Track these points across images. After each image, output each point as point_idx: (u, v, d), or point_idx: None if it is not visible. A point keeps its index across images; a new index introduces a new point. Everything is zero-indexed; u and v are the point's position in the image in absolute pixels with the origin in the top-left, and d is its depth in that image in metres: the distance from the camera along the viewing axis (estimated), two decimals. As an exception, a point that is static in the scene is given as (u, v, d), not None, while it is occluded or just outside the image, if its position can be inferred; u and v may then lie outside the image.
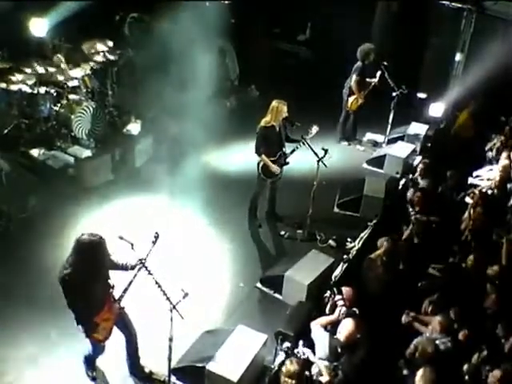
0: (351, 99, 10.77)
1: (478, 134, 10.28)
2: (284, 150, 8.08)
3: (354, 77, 10.56)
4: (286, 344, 5.40)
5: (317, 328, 5.67)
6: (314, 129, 7.95)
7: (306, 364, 5.25)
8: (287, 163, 8.15)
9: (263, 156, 7.94)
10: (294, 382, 4.82)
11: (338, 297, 5.85)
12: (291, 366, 4.86)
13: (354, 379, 5.19)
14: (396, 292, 6.22)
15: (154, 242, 5.14)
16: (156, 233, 5.18)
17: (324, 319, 5.82)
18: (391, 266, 6.53)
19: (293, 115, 8.04)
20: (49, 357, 5.93)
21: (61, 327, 6.08)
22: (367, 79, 10.70)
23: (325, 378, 5.22)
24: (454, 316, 5.58)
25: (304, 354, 5.36)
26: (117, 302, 5.32)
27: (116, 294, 5.34)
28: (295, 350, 5.47)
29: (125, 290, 5.26)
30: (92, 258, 5.01)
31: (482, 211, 7.33)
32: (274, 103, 7.85)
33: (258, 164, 8.06)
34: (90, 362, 5.75)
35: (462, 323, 5.53)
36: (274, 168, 8.01)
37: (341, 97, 10.95)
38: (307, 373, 5.19)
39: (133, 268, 5.20)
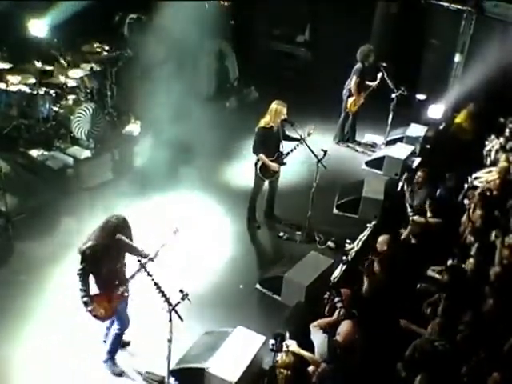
0: (350, 100, 10.78)
1: (477, 135, 10.29)
2: (281, 150, 8.09)
3: (354, 78, 10.56)
4: (272, 341, 5.41)
5: (316, 330, 5.67)
6: (311, 129, 7.95)
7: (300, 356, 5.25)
8: (285, 163, 8.16)
9: (261, 156, 7.95)
10: (289, 373, 4.81)
11: (337, 298, 5.85)
12: (287, 358, 4.87)
13: (353, 381, 5.19)
14: (395, 294, 6.20)
15: (174, 234, 5.49)
16: (176, 227, 5.51)
17: (323, 321, 5.81)
18: (390, 269, 6.50)
19: (292, 116, 8.04)
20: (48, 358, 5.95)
21: (61, 324, 6.15)
22: (367, 82, 10.71)
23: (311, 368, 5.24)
24: (454, 317, 5.59)
25: (288, 346, 5.33)
26: (124, 286, 5.50)
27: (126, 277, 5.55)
28: (283, 343, 5.45)
29: (131, 277, 5.46)
30: (113, 236, 5.29)
31: (481, 213, 7.33)
32: (274, 105, 7.86)
33: (256, 164, 8.07)
34: (112, 356, 5.85)
35: (460, 325, 5.53)
36: (273, 166, 8.02)
37: (340, 98, 10.96)
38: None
39: (145, 256, 5.36)
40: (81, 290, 5.38)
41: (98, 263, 5.36)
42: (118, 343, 5.83)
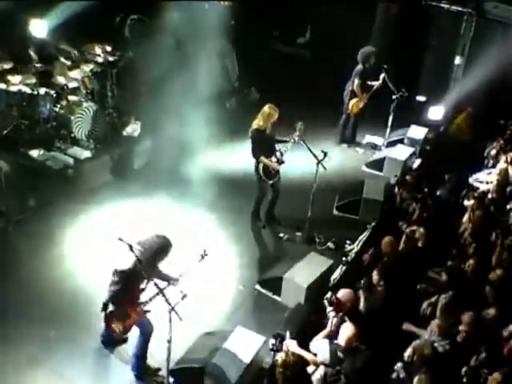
0: (352, 102, 10.79)
1: (477, 136, 10.30)
2: (278, 150, 8.12)
3: (355, 81, 10.58)
4: (272, 341, 5.41)
5: (315, 342, 5.64)
6: (300, 125, 7.95)
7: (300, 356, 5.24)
8: (283, 162, 8.17)
9: (262, 158, 7.96)
10: (288, 372, 4.80)
11: (328, 308, 5.78)
12: (286, 358, 4.86)
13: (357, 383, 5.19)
14: (395, 296, 6.20)
15: (202, 259, 5.55)
16: (204, 251, 5.58)
17: (320, 335, 5.78)
18: (389, 278, 6.46)
19: (292, 117, 8.06)
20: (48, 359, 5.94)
21: (61, 324, 6.14)
22: (368, 82, 10.72)
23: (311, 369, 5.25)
24: (454, 319, 5.59)
25: (288, 346, 5.32)
26: (143, 305, 5.51)
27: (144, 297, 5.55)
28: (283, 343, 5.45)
29: (152, 297, 5.46)
30: (155, 256, 5.40)
31: (481, 214, 7.33)
32: (267, 109, 7.92)
33: (257, 168, 8.08)
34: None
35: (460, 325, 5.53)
36: (275, 165, 8.05)
37: (341, 99, 10.96)
38: None
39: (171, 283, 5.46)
40: (111, 302, 5.42)
41: (136, 280, 5.39)
42: (145, 350, 5.79)
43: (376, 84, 10.63)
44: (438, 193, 8.56)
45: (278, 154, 8.09)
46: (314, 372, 5.25)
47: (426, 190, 8.15)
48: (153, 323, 5.88)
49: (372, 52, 10.58)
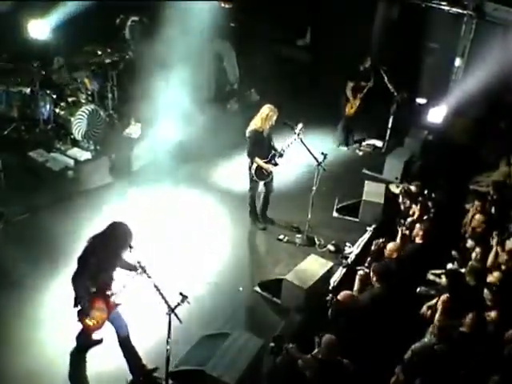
0: (348, 105, 10.83)
1: (477, 139, 10.30)
2: (273, 152, 8.13)
3: (349, 83, 10.65)
4: (272, 344, 5.40)
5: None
6: (300, 126, 7.93)
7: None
8: (277, 164, 8.17)
9: (256, 159, 7.98)
10: None
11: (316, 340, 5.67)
12: None
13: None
14: (395, 297, 6.20)
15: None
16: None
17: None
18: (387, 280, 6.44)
19: (292, 119, 8.06)
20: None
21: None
22: (362, 83, 10.75)
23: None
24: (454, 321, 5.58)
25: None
26: (113, 297, 5.40)
27: (115, 289, 5.44)
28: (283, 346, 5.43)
29: (122, 287, 5.37)
30: (114, 241, 5.29)
31: (481, 217, 7.33)
32: (266, 109, 7.91)
33: (250, 168, 8.10)
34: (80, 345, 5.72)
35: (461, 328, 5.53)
36: (268, 167, 8.07)
37: (340, 101, 10.99)
38: None
39: (135, 269, 5.26)
40: (80, 296, 5.25)
41: (93, 265, 5.24)
42: (132, 346, 5.71)
43: (368, 84, 10.69)
44: (437, 195, 8.56)
45: (272, 156, 8.09)
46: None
47: (426, 192, 8.16)
48: (152, 325, 5.89)
49: (366, 55, 10.60)
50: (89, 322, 5.34)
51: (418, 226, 7.32)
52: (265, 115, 7.88)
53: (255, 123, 7.95)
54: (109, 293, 5.40)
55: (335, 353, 5.22)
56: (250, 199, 8.49)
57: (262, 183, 8.32)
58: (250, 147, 8.00)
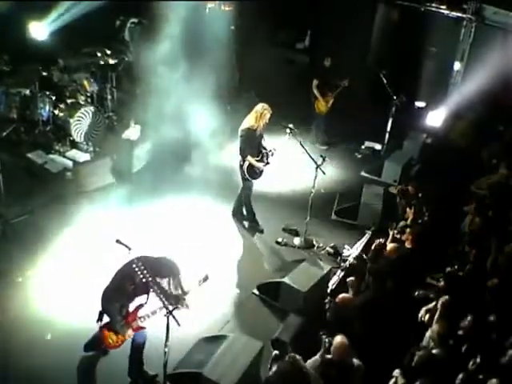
0: (317, 102, 10.93)
1: (476, 142, 10.30)
2: (265, 151, 8.14)
3: (314, 81, 10.78)
4: (276, 352, 5.40)
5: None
6: (290, 126, 7.98)
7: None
8: (269, 163, 8.18)
9: (249, 157, 7.98)
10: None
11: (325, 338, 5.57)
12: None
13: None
14: (393, 301, 6.20)
15: (202, 282, 5.28)
16: (206, 275, 5.29)
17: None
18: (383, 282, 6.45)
19: (291, 121, 8.08)
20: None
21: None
22: (338, 81, 10.86)
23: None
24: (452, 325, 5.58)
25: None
26: (140, 320, 5.44)
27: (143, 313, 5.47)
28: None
29: (152, 313, 5.37)
30: (163, 272, 5.19)
31: (479, 220, 7.33)
32: (260, 108, 7.91)
33: (242, 166, 8.08)
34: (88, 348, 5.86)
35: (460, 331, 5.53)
36: (260, 165, 8.07)
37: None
38: None
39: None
40: (112, 316, 5.31)
41: (133, 293, 5.30)
42: (140, 357, 5.74)
43: (342, 83, 10.79)
44: (434, 198, 8.56)
45: (264, 155, 8.11)
46: None
47: (420, 195, 8.16)
48: (150, 327, 5.87)
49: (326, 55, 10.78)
50: (108, 338, 5.39)
51: (408, 230, 7.33)
52: (259, 113, 7.87)
53: (249, 121, 7.94)
54: (137, 316, 5.43)
55: (347, 354, 5.24)
56: (245, 199, 8.45)
57: (253, 182, 8.28)
58: (243, 145, 7.99)
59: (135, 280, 5.13)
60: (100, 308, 5.42)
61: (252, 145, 7.99)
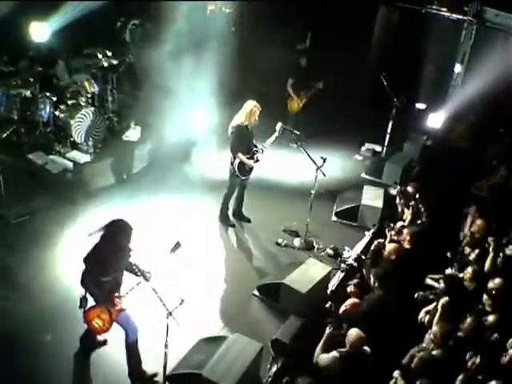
0: (291, 102, 11.00)
1: (476, 144, 10.30)
2: (256, 148, 8.17)
3: (289, 80, 10.84)
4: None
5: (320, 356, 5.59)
6: (278, 126, 8.00)
7: None
8: (258, 160, 8.20)
9: (239, 154, 7.99)
10: None
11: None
12: None
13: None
14: (396, 302, 6.19)
15: (173, 250, 5.24)
16: (177, 242, 5.28)
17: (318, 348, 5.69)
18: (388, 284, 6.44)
19: (290, 122, 8.08)
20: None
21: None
22: (313, 82, 10.93)
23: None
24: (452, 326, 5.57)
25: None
26: (120, 299, 5.42)
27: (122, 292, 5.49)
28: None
29: (130, 290, 5.40)
30: (116, 239, 5.26)
31: (480, 222, 7.32)
32: (250, 105, 7.95)
33: (232, 163, 8.10)
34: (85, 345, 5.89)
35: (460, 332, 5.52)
36: (251, 162, 8.11)
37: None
38: None
39: (141, 274, 5.29)
40: (93, 293, 5.32)
41: (102, 271, 5.30)
42: (136, 351, 5.72)
43: (317, 85, 10.89)
44: (432, 199, 8.55)
45: (254, 152, 8.14)
46: None
47: (417, 196, 8.15)
48: (149, 329, 5.88)
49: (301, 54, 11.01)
50: (95, 323, 5.36)
51: (405, 230, 7.33)
52: (249, 110, 7.91)
53: (239, 118, 7.97)
54: (116, 295, 5.43)
55: (364, 345, 5.33)
56: (227, 194, 8.46)
57: (241, 179, 8.28)
58: (234, 142, 8.00)
59: (102, 250, 5.27)
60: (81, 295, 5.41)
61: (243, 142, 8.01)
